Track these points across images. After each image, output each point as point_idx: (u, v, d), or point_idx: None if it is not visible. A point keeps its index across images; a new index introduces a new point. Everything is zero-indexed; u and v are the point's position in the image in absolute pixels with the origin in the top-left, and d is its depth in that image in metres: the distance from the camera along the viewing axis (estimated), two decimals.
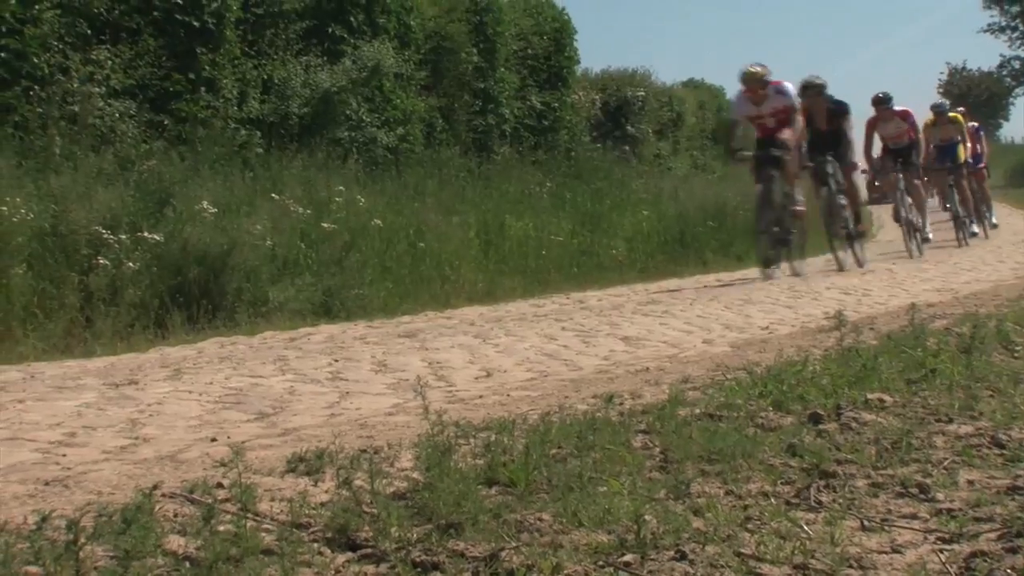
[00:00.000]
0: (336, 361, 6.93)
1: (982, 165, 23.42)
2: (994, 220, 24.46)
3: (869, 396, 4.72)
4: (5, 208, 9.59)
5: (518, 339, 8.04)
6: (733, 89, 23.29)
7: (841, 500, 3.35)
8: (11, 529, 2.84)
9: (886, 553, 2.90)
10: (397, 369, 6.58)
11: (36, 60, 11.54)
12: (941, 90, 76.27)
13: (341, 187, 13.65)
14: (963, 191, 20.97)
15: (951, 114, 21.43)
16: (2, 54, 11.26)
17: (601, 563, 2.82)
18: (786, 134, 14.36)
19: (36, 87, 11.58)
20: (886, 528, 3.11)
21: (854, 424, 4.30)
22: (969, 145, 22.10)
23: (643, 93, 25.11)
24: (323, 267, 11.81)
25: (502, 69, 19.60)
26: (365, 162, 15.83)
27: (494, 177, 17.90)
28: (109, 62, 12.48)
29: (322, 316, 10.96)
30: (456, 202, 15.61)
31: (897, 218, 19.07)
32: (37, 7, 11.59)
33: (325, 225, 12.44)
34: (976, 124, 24.18)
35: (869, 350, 5.74)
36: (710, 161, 28.29)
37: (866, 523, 3.14)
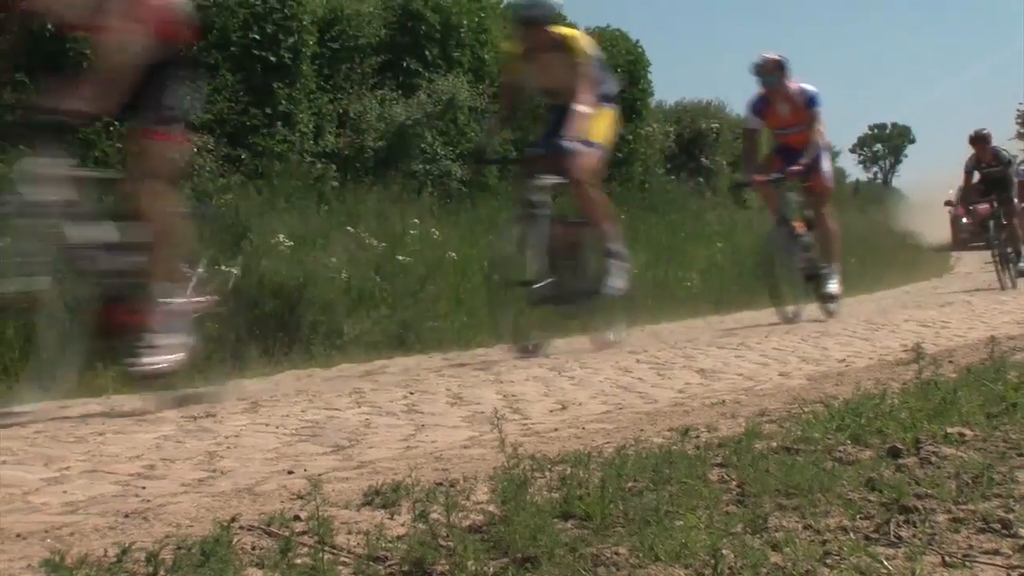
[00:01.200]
0: (411, 394, 6.95)
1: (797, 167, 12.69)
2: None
3: (949, 430, 4.67)
4: None
5: (593, 371, 8.03)
6: None
7: (921, 535, 3.32)
8: (92, 562, 2.86)
9: None
10: (472, 402, 6.59)
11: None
12: (1019, 121, 75.55)
13: (416, 220, 13.72)
14: None
15: (560, 30, 9.81)
16: None
17: None
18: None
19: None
20: (968, 564, 3.07)
21: (934, 458, 4.25)
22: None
23: (717, 125, 25.05)
24: (398, 300, 11.85)
25: None
26: (440, 195, 15.89)
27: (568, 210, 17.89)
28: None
29: (397, 349, 11.00)
30: None
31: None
32: None
33: (400, 258, 12.50)
34: (811, 89, 13.01)
35: (948, 383, 5.67)
36: None
37: (947, 559, 3.10)
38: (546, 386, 7.31)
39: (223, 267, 10.50)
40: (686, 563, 3.01)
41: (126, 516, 3.74)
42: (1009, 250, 17.95)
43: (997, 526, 3.40)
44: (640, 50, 22.26)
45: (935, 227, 32.05)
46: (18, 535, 3.48)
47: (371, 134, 15.34)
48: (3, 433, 5.67)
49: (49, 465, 4.73)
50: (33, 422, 6.05)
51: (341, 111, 15.23)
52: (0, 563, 3.15)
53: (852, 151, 74.69)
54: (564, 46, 9.54)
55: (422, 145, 15.87)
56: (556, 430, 5.55)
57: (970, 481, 3.90)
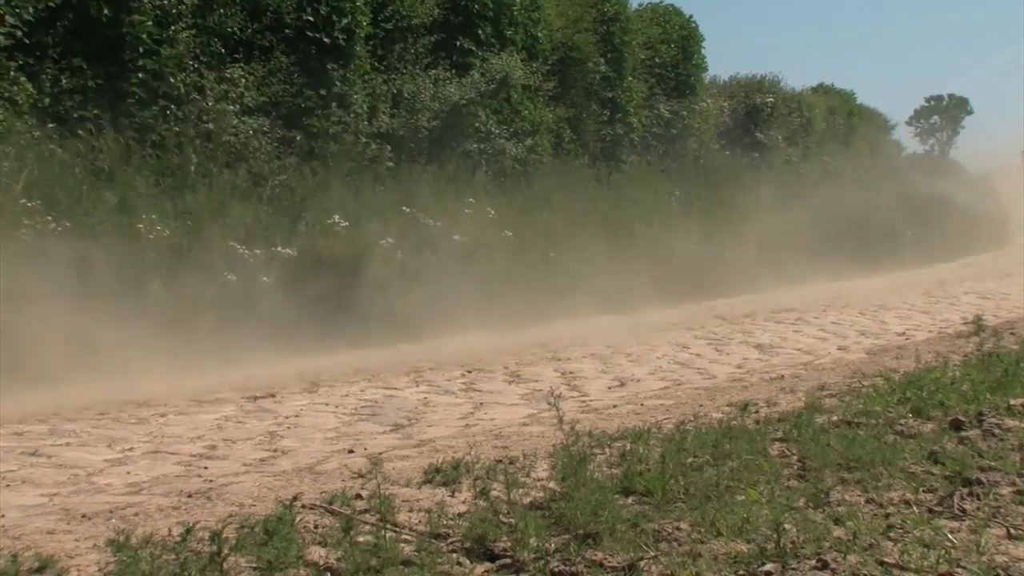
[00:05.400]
0: (469, 372, 6.96)
1: None
2: None
3: (1012, 402, 4.63)
4: (142, 226, 9.76)
5: (650, 348, 8.01)
6: (863, 93, 22.92)
7: (986, 508, 3.29)
8: (157, 541, 2.88)
9: None
10: (530, 379, 6.59)
11: (172, 80, 11.72)
12: None
13: (471, 199, 13.70)
14: None
15: None
16: (140, 75, 11.45)
17: (741, 572, 2.80)
18: None
19: (172, 106, 11.75)
20: None
21: (997, 430, 4.22)
22: None
23: (772, 99, 24.81)
24: (454, 278, 11.86)
25: (630, 78, 19.50)
26: (494, 174, 15.85)
27: (623, 186, 17.82)
28: (243, 80, 12.64)
29: (454, 327, 11.00)
30: (585, 212, 15.60)
31: None
32: (173, 28, 11.78)
33: (455, 237, 12.49)
34: None
35: (1010, 355, 5.63)
36: (841, 166, 27.92)
37: (1012, 531, 3.08)
38: (604, 363, 7.30)
39: (279, 248, 10.55)
40: (748, 538, 3.00)
41: (189, 496, 3.77)
42: None
43: None
44: (694, 25, 22.06)
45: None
46: (84, 515, 3.51)
47: (425, 114, 15.31)
48: (67, 415, 5.72)
49: (113, 446, 4.78)
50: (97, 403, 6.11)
51: (395, 91, 15.21)
52: (67, 543, 3.18)
53: (908, 124, 73.94)
54: None
55: (476, 124, 15.82)
56: (615, 406, 5.54)
57: None
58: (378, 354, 9.02)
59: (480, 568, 2.92)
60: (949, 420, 4.39)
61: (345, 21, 13.83)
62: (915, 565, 2.78)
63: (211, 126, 12.06)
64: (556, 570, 2.86)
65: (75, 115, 10.68)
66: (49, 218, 9.17)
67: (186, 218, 10.33)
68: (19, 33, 10.12)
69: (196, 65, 12.21)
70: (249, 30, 12.95)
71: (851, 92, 30.92)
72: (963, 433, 4.20)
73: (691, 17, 22.25)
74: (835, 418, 4.50)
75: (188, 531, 2.86)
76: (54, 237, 9.02)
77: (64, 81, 10.65)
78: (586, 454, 3.56)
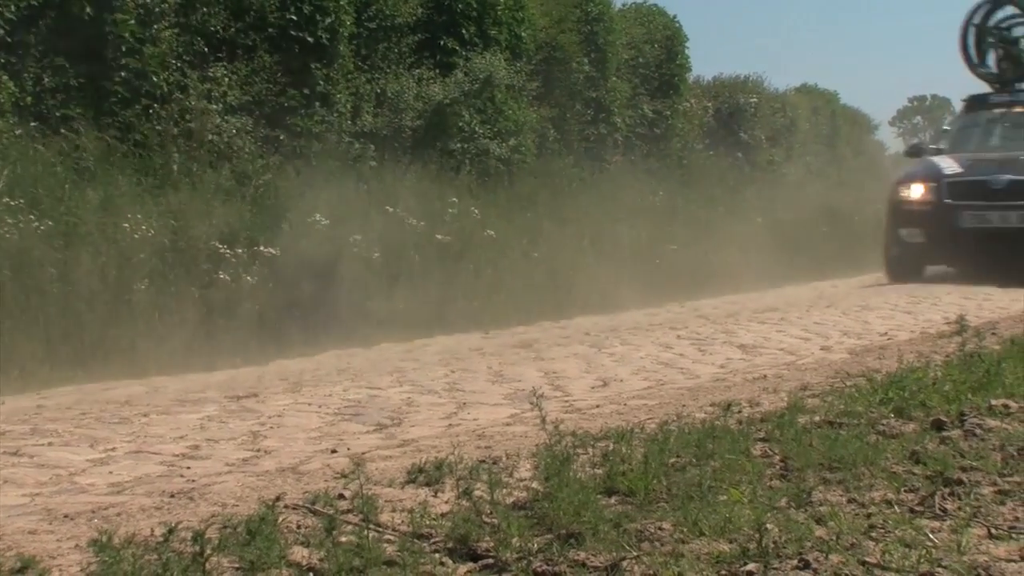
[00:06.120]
0: (452, 372, 6.96)
1: None
2: None
3: (993, 402, 4.64)
4: (127, 225, 9.75)
5: (634, 348, 8.02)
6: (847, 94, 22.92)
7: (967, 508, 3.30)
8: (139, 541, 2.88)
9: (1015, 561, 2.85)
10: (513, 379, 6.59)
11: (155, 79, 11.71)
12: None
13: (454, 199, 13.72)
14: None
15: None
16: (122, 73, 11.43)
17: (723, 572, 2.80)
18: None
19: (155, 105, 11.74)
20: (1014, 536, 3.05)
21: (978, 430, 4.23)
22: None
23: (756, 99, 24.87)
24: (437, 278, 11.87)
25: (613, 78, 19.53)
26: (478, 173, 15.86)
27: (607, 186, 17.84)
28: (226, 79, 12.64)
29: (437, 327, 11.01)
30: (569, 211, 15.61)
31: None
32: (156, 27, 11.77)
33: (439, 236, 12.51)
34: None
35: (992, 355, 5.64)
36: (824, 166, 28.00)
37: (993, 531, 3.09)
38: (587, 363, 7.30)
39: (262, 248, 10.55)
40: (730, 538, 3.01)
41: (172, 496, 3.76)
42: None
43: None
44: (678, 25, 22.12)
45: None
46: (66, 515, 3.50)
47: (409, 113, 15.33)
48: (49, 415, 5.71)
49: (95, 446, 4.77)
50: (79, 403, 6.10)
51: (379, 91, 15.22)
52: (49, 543, 3.18)
53: (891, 124, 74.04)
54: None
55: (460, 124, 15.85)
56: (598, 406, 5.55)
57: (1015, 453, 3.88)
58: (361, 354, 9.02)
59: (463, 568, 2.93)
60: (931, 420, 4.40)
61: (328, 20, 13.82)
62: (896, 565, 2.79)
63: (194, 125, 12.05)
64: (539, 570, 2.86)
65: (57, 114, 10.67)
66: (32, 216, 9.16)
67: (169, 217, 10.32)
68: (1, 32, 10.11)
69: (179, 64, 12.20)
70: (232, 29, 12.94)
71: (834, 92, 30.99)
72: (945, 433, 4.21)
73: (675, 17, 22.30)
74: (817, 418, 4.51)
75: (170, 531, 2.86)
76: (36, 236, 9.01)
77: (46, 80, 10.63)
78: (569, 454, 3.55)
